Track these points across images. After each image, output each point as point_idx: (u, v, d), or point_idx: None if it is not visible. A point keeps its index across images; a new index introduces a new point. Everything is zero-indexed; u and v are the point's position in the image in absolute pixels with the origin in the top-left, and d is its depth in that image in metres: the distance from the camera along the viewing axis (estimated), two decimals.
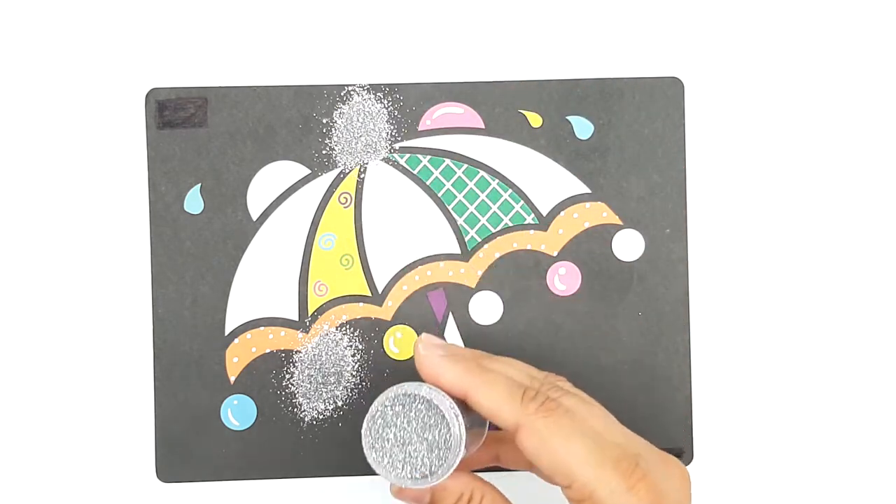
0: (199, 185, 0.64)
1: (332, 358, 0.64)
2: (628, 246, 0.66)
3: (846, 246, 0.65)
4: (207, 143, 0.64)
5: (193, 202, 0.64)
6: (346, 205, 0.64)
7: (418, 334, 0.65)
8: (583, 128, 0.65)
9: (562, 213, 0.65)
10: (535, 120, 0.64)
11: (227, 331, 0.64)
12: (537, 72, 0.64)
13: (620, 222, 0.65)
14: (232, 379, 0.63)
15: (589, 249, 0.64)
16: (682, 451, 0.63)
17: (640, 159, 0.65)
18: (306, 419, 0.64)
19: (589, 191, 0.65)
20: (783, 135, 0.65)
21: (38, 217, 0.65)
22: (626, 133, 0.65)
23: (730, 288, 0.64)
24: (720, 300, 0.64)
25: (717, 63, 0.65)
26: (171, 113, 0.64)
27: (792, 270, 0.65)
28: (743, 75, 0.65)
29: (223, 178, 0.64)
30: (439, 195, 0.65)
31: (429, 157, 0.64)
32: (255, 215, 0.64)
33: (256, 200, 0.64)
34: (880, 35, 0.65)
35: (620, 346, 0.64)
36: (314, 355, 0.64)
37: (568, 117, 0.65)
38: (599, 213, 0.64)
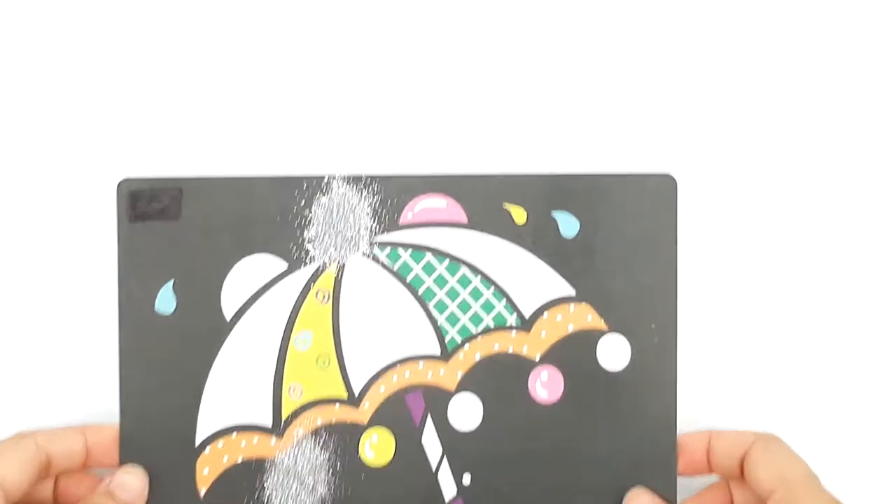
0: (171, 281, 0.61)
1: (307, 465, 0.61)
2: (614, 352, 0.63)
3: (849, 349, 0.62)
4: (181, 237, 0.62)
5: (165, 301, 0.62)
6: (323, 301, 0.61)
7: (395, 437, 0.62)
8: (569, 225, 0.62)
9: (545, 315, 0.63)
10: (519, 215, 0.62)
11: (198, 441, 0.62)
12: (524, 166, 0.62)
13: (605, 327, 0.62)
14: (202, 491, 0.61)
15: (573, 354, 0.63)
16: None
17: (628, 259, 0.63)
18: None
19: (573, 292, 0.62)
20: (783, 235, 0.63)
21: (4, 315, 0.63)
22: (614, 231, 0.63)
23: (720, 407, 0.60)
24: (709, 420, 0.61)
25: (710, 159, 0.62)
26: (145, 204, 0.62)
27: (793, 386, 0.63)
28: (736, 172, 0.62)
29: (197, 274, 0.62)
30: (419, 292, 0.62)
31: (410, 251, 0.62)
32: (228, 315, 0.62)
33: (231, 297, 0.63)
34: (878, 132, 0.62)
35: (603, 461, 0.63)
36: (288, 463, 0.61)
37: (553, 214, 0.62)
38: (584, 316, 0.62)
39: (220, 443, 0.62)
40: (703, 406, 0.63)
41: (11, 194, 0.63)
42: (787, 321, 0.63)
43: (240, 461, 0.63)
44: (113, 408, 0.62)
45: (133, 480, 0.59)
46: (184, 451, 0.62)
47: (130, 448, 0.62)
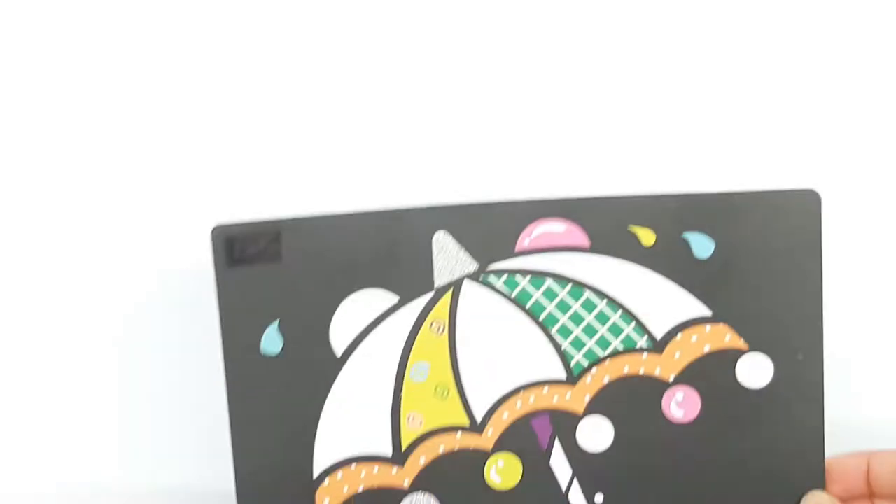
0: (276, 321, 0.59)
1: (432, 491, 0.61)
2: (755, 371, 0.60)
3: None
4: (283, 279, 0.59)
5: (271, 341, 0.59)
6: (439, 332, 0.59)
7: (522, 462, 0.61)
8: (702, 246, 0.58)
9: (678, 336, 0.60)
10: (647, 238, 0.58)
11: (316, 473, 0.61)
12: (649, 185, 0.58)
13: (745, 346, 0.60)
14: None
15: (710, 375, 0.60)
16: None
17: (768, 278, 0.59)
18: None
19: (709, 313, 0.59)
20: None
21: (110, 372, 0.63)
22: (753, 250, 0.59)
23: (870, 421, 0.57)
24: (859, 434, 0.57)
25: (853, 173, 0.59)
26: (242, 249, 0.58)
27: None
28: (881, 186, 0.56)
29: (302, 315, 0.59)
30: (540, 319, 0.59)
31: (528, 277, 0.59)
32: (339, 351, 0.60)
33: (341, 333, 0.60)
34: None
35: (743, 480, 0.61)
36: (411, 489, 0.61)
37: (685, 235, 0.57)
38: (722, 337, 0.59)
39: (339, 474, 0.61)
40: (852, 425, 0.59)
41: (111, 241, 0.62)
42: None
43: (360, 490, 0.61)
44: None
45: None
46: (301, 484, 0.61)
47: (247, 488, 0.61)
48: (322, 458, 0.61)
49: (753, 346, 0.60)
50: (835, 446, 0.59)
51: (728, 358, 0.60)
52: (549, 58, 0.59)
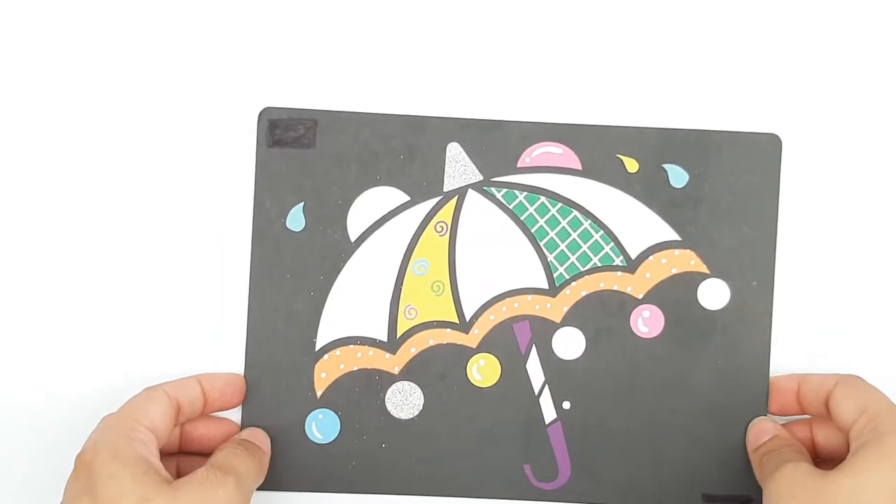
0: (302, 203, 0.66)
1: (417, 380, 0.66)
2: (713, 295, 0.67)
3: None
4: (314, 164, 0.66)
5: (296, 220, 0.66)
6: (441, 233, 0.66)
7: (501, 363, 0.67)
8: (678, 177, 0.66)
9: (650, 258, 0.67)
10: (631, 165, 0.66)
11: (318, 346, 0.66)
12: (637, 119, 0.66)
13: (707, 271, 0.67)
14: (318, 393, 0.66)
15: (674, 295, 0.66)
16: (750, 498, 0.66)
17: (732, 211, 0.67)
18: (388, 437, 0.66)
19: (679, 238, 0.66)
20: (880, 197, 0.67)
21: (145, 222, 0.68)
22: (721, 185, 0.67)
23: (812, 344, 0.65)
24: (801, 355, 0.65)
25: (816, 121, 0.66)
26: (282, 132, 0.66)
27: (877, 333, 0.67)
28: (841, 134, 0.66)
29: (326, 199, 0.67)
30: (532, 231, 0.67)
31: (525, 193, 0.66)
32: (353, 236, 0.66)
33: (356, 222, 0.67)
34: None
35: (698, 393, 0.67)
36: (400, 376, 0.66)
37: (664, 165, 0.66)
38: (687, 261, 0.66)
39: (338, 351, 0.68)
40: (796, 351, 0.66)
41: (166, 116, 0.68)
42: (876, 283, 0.68)
43: (355, 370, 0.68)
44: (241, 312, 0.68)
45: (261, 433, 0.65)
46: (305, 354, 0.68)
47: (256, 346, 0.68)
48: (325, 333, 0.68)
49: (714, 272, 0.68)
50: (777, 368, 0.67)
51: (691, 281, 0.68)
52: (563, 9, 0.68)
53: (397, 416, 0.67)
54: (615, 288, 0.67)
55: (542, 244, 0.66)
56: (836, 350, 0.67)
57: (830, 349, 0.66)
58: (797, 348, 0.67)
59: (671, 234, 0.66)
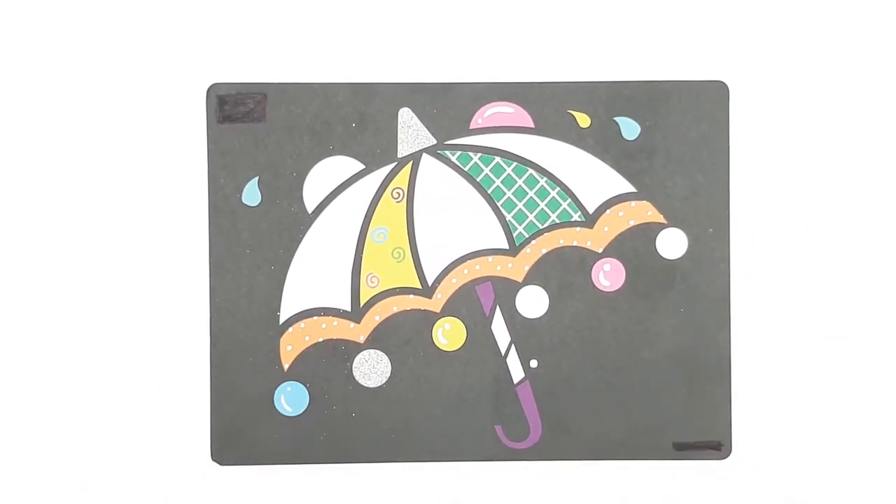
0: (256, 177, 0.66)
1: (384, 348, 0.66)
2: (672, 244, 0.68)
3: (889, 247, 0.67)
4: (266, 138, 0.66)
5: (251, 194, 0.66)
6: (398, 199, 0.66)
7: (466, 326, 0.67)
8: (630, 129, 0.67)
9: (607, 212, 0.67)
10: (583, 120, 0.66)
11: (282, 320, 0.66)
12: (587, 73, 0.66)
13: (665, 221, 0.67)
14: (286, 366, 0.66)
15: (633, 247, 0.67)
16: (720, 443, 0.66)
17: (685, 160, 0.67)
18: (357, 406, 0.66)
19: (634, 190, 0.67)
20: (826, 138, 0.68)
21: (99, 206, 0.68)
22: (672, 135, 0.67)
23: (770, 286, 0.66)
24: (761, 298, 0.66)
25: (761, 67, 0.67)
26: (231, 108, 0.66)
27: (832, 270, 0.68)
28: (787, 80, 0.66)
29: (280, 172, 0.67)
30: (489, 192, 0.67)
31: (479, 154, 0.67)
32: (310, 208, 0.66)
33: (312, 193, 0.67)
34: None
35: (662, 341, 0.67)
36: (365, 345, 0.66)
37: (616, 118, 0.66)
38: (644, 212, 0.67)
39: (303, 323, 0.68)
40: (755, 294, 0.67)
41: (111, 97, 0.68)
42: (827, 220, 0.69)
43: (320, 341, 0.68)
44: (203, 291, 0.68)
45: None
46: (269, 328, 0.68)
47: (220, 323, 0.68)
48: (289, 306, 0.68)
49: (671, 221, 0.68)
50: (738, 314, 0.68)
51: (650, 231, 0.68)
52: None
53: (365, 385, 0.66)
54: (575, 244, 0.67)
55: (499, 204, 0.66)
56: (795, 295, 0.66)
57: (789, 293, 0.66)
58: (757, 292, 0.66)
59: (627, 187, 0.67)
